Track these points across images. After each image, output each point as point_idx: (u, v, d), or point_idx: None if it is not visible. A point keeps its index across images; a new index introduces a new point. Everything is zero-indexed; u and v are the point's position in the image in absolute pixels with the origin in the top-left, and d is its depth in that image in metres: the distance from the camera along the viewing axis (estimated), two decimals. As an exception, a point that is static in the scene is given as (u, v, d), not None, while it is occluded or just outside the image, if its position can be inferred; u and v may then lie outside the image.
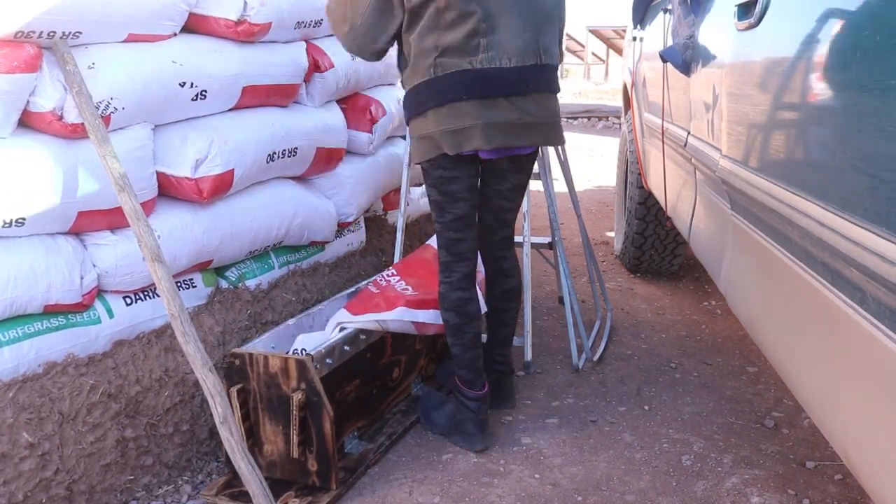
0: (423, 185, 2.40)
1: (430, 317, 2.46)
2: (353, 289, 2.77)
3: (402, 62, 2.31)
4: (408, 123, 2.34)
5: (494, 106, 2.18)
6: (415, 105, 2.26)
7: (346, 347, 2.27)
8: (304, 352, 2.26)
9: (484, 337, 2.74)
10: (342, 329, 2.34)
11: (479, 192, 2.38)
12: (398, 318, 2.41)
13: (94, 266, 2.13)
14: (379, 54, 2.32)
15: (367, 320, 2.37)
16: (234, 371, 2.14)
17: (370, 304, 2.45)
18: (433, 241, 2.80)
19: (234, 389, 2.11)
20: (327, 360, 2.18)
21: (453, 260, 2.35)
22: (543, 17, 2.25)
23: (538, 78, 2.24)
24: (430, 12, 2.14)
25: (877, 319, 1.11)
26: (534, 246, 3.36)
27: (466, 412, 2.38)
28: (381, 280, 2.62)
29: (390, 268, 2.72)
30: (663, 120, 2.92)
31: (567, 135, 2.67)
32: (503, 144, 2.22)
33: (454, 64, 2.16)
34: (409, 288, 2.56)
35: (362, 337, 2.35)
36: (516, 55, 2.19)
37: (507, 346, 2.64)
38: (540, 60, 2.23)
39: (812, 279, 1.36)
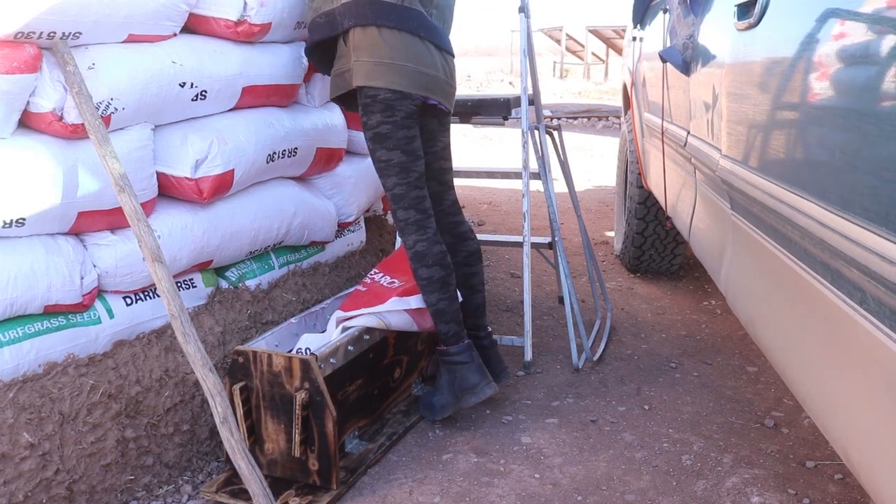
0: (374, 154, 2.42)
1: (423, 301, 2.49)
2: (353, 289, 2.78)
3: None
4: (354, 26, 2.32)
5: (443, 59, 2.40)
6: (380, 13, 2.28)
7: (350, 347, 2.27)
8: (308, 351, 2.27)
9: None
10: (345, 328, 2.34)
11: None
12: (393, 308, 2.43)
13: (95, 266, 2.13)
14: None
15: (366, 313, 2.37)
16: (237, 368, 2.14)
17: (361, 303, 2.47)
18: None
19: (236, 387, 2.12)
20: (331, 360, 2.18)
21: (424, 217, 2.42)
22: None
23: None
24: None
25: (877, 319, 1.11)
26: (534, 246, 3.36)
27: (462, 366, 2.41)
28: (367, 279, 2.67)
29: (374, 268, 2.76)
30: (663, 120, 2.92)
31: (567, 134, 2.68)
32: (446, 103, 2.45)
33: (416, 4, 2.34)
34: (396, 281, 2.61)
35: (366, 337, 2.35)
36: (447, 22, 2.49)
37: (482, 315, 2.68)
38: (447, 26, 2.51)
39: (812, 279, 1.36)
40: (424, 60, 2.33)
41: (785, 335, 1.60)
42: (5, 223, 1.93)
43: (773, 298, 1.66)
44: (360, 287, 2.63)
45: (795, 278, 1.45)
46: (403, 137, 2.35)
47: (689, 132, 2.45)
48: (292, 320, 2.48)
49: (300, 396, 2.06)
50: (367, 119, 2.36)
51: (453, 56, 2.48)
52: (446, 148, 2.62)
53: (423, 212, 2.42)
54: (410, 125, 2.37)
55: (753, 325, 1.86)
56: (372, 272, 2.72)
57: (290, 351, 2.33)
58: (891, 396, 1.08)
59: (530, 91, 3.07)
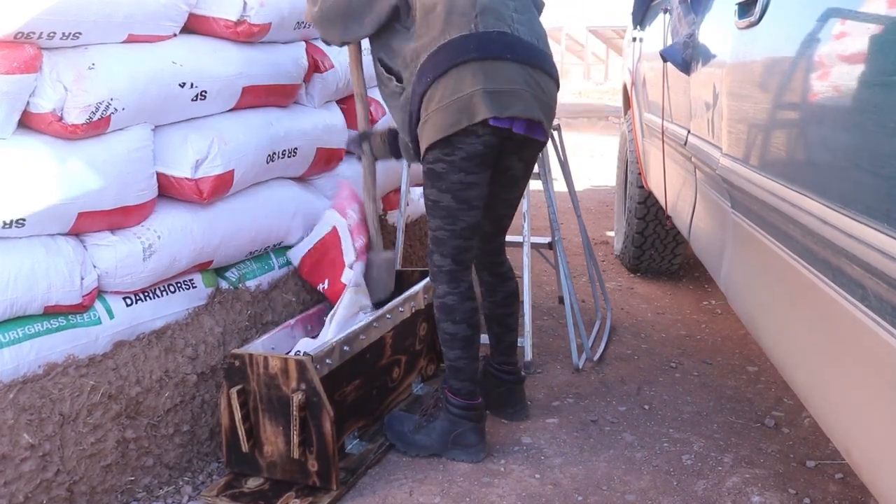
0: (424, 190, 2.25)
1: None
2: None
3: (399, 46, 2.19)
4: (421, 98, 2.12)
5: (534, 75, 2.14)
6: (441, 63, 2.07)
7: (346, 348, 2.27)
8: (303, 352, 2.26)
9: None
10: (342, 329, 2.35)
11: None
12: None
13: (95, 267, 2.13)
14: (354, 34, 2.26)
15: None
16: (233, 372, 2.14)
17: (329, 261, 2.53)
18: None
19: (234, 390, 2.11)
20: (327, 361, 2.18)
21: (460, 269, 2.26)
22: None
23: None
24: None
25: (878, 316, 1.11)
26: (534, 246, 3.36)
27: (467, 423, 2.31)
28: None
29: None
30: (663, 119, 2.92)
31: (567, 135, 2.68)
32: (540, 118, 2.15)
33: (493, 24, 2.10)
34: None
35: (362, 337, 2.35)
36: (539, 33, 2.22)
37: (513, 353, 2.59)
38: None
39: (813, 276, 1.36)
40: (498, 77, 2.08)
41: (786, 333, 1.60)
42: (5, 223, 1.93)
43: (773, 296, 1.66)
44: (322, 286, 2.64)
45: (796, 276, 1.45)
46: (458, 182, 2.14)
47: (689, 131, 2.45)
48: (289, 322, 2.48)
49: (297, 398, 2.06)
50: (425, 153, 2.17)
51: (550, 75, 2.20)
52: (519, 197, 2.44)
53: (461, 263, 2.25)
54: (470, 169, 2.13)
55: (754, 324, 1.86)
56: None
57: (289, 353, 2.32)
58: (892, 393, 1.08)
59: (530, 91, 3.05)
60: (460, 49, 2.08)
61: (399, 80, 2.23)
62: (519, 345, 2.97)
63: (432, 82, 2.09)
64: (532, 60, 2.14)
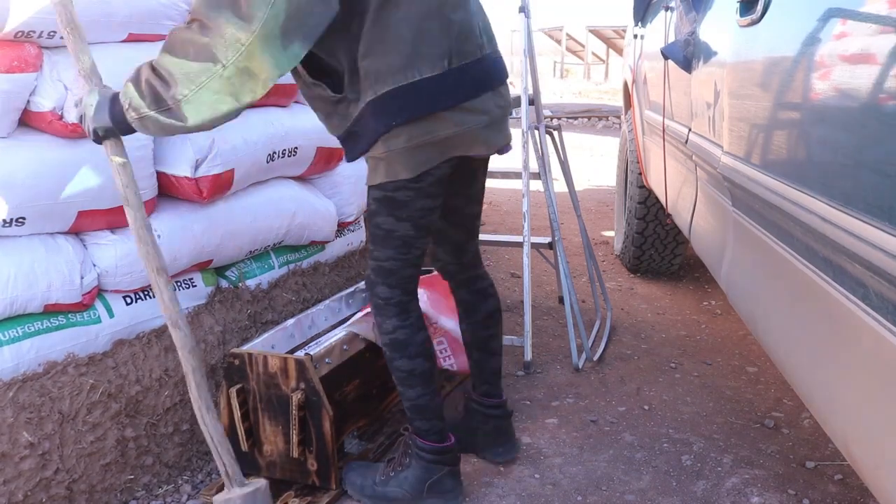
0: (374, 217, 1.95)
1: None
2: (352, 289, 2.77)
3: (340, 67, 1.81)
4: (378, 135, 1.81)
5: (499, 92, 1.93)
6: (410, 108, 1.78)
7: (345, 347, 2.27)
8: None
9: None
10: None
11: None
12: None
13: (94, 266, 2.13)
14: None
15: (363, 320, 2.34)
16: (233, 371, 2.14)
17: None
18: None
19: (233, 389, 2.11)
20: (326, 360, 2.17)
21: (409, 299, 2.02)
22: None
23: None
24: None
25: (879, 315, 1.10)
26: (534, 246, 3.36)
27: (442, 468, 2.06)
28: None
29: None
30: (664, 117, 2.92)
31: (567, 135, 2.68)
32: (510, 139, 2.00)
33: (468, 52, 1.81)
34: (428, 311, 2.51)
35: (361, 336, 2.34)
36: (490, 44, 1.93)
37: (498, 382, 2.33)
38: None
39: (814, 275, 1.36)
40: (476, 114, 1.85)
41: (786, 331, 1.60)
42: (5, 221, 1.93)
43: (774, 295, 1.66)
44: None
45: (797, 274, 1.45)
46: (422, 209, 1.89)
47: (690, 129, 2.45)
48: (289, 322, 2.48)
49: (296, 397, 2.06)
50: (383, 182, 1.87)
51: (505, 84, 1.96)
52: (481, 190, 2.15)
53: (410, 293, 2.02)
54: (437, 193, 1.90)
55: (755, 322, 1.86)
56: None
57: (289, 352, 2.32)
58: (893, 392, 1.07)
59: (530, 91, 3.06)
60: (435, 96, 1.79)
61: (333, 88, 1.85)
62: (518, 344, 2.98)
63: (398, 126, 1.79)
64: (501, 77, 1.94)
